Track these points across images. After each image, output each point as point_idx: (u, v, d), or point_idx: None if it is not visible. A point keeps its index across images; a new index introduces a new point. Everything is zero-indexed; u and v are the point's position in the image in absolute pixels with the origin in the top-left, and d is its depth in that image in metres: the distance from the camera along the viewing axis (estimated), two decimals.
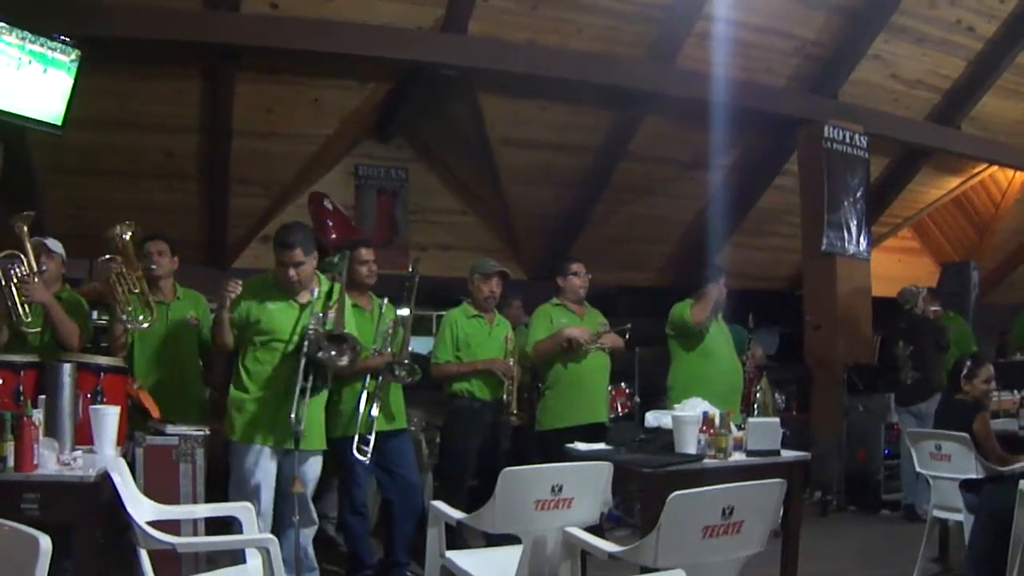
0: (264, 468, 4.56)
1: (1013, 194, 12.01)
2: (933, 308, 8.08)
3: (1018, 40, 9.24)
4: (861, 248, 9.04)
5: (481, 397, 5.84)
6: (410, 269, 5.63)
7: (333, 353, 4.53)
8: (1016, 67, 9.61)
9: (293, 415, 4.38)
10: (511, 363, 5.87)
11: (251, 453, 4.54)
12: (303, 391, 4.44)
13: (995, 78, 9.63)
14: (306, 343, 4.49)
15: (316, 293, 4.77)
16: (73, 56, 6.23)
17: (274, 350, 4.63)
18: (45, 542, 2.14)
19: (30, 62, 6.07)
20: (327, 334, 4.55)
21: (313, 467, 4.75)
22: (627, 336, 6.28)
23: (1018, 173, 11.65)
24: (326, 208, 7.63)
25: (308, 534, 4.77)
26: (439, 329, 6.05)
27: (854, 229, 8.96)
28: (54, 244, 5.09)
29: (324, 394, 4.78)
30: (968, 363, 5.75)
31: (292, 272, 4.62)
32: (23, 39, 6.01)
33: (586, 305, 6.31)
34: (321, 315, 4.64)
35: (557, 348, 5.99)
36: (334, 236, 7.38)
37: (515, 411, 5.80)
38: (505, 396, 5.81)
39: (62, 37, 6.18)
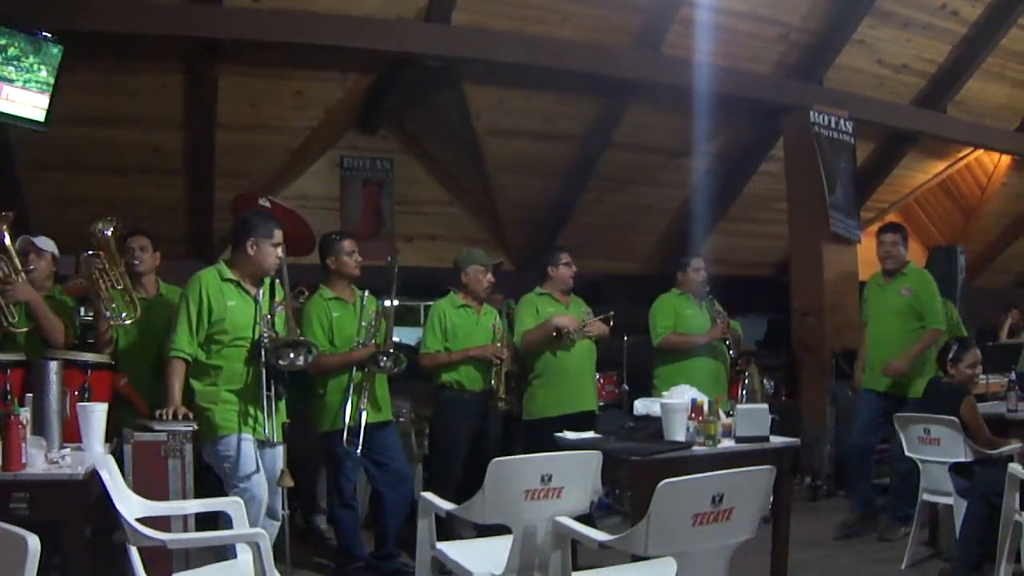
0: (257, 455, 4.56)
1: (999, 177, 12.02)
2: None
3: (1002, 23, 9.25)
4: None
5: (470, 388, 5.86)
6: (389, 260, 5.65)
7: (292, 356, 4.61)
8: (1001, 50, 9.62)
9: (266, 430, 4.51)
10: (500, 346, 5.92)
11: (245, 442, 4.53)
12: (268, 399, 4.52)
13: (980, 62, 9.64)
14: (263, 352, 4.53)
15: (261, 291, 4.75)
16: (55, 51, 6.20)
17: (239, 347, 4.62)
18: (33, 542, 2.13)
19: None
20: (283, 341, 4.62)
21: (281, 459, 4.74)
22: (611, 323, 6.31)
23: (1003, 157, 11.66)
24: (262, 207, 7.28)
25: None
26: (427, 319, 6.08)
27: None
28: (44, 243, 5.05)
29: (284, 395, 4.76)
30: (955, 347, 5.78)
31: (280, 253, 4.72)
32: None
33: (570, 294, 6.34)
34: (269, 316, 4.66)
35: (546, 338, 6.01)
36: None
37: (502, 396, 5.82)
38: (493, 381, 5.84)
39: (44, 33, 6.15)
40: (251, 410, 4.58)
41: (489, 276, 6.00)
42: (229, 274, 4.70)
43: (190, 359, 4.58)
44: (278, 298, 4.77)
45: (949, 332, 7.53)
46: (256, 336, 4.62)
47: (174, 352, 4.56)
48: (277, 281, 4.80)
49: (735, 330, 6.64)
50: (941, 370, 5.79)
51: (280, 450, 4.68)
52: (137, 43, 6.81)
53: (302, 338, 4.78)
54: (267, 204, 7.11)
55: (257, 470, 4.51)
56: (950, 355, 5.71)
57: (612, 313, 6.34)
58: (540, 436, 5.37)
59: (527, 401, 6.16)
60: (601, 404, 6.90)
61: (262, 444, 4.59)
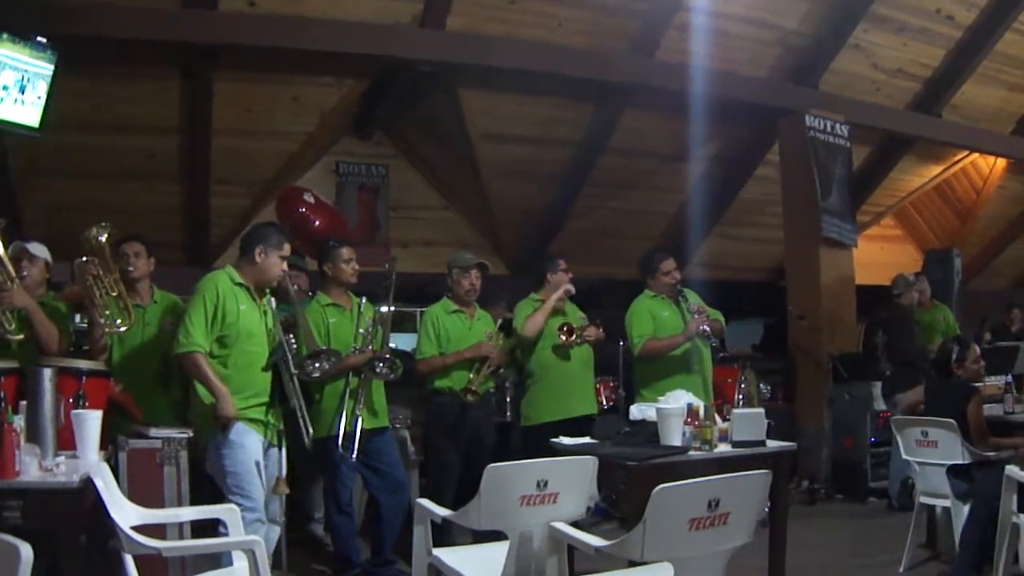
0: (261, 453, 4.58)
1: (994, 181, 12.04)
2: (919, 289, 8.13)
3: (997, 27, 9.27)
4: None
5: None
6: (386, 266, 5.66)
7: (317, 365, 4.77)
8: (996, 54, 9.64)
9: (307, 437, 4.64)
10: (496, 347, 5.91)
11: (253, 436, 4.52)
12: (296, 408, 4.64)
13: (975, 66, 9.66)
14: (289, 362, 4.63)
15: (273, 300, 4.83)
16: (50, 57, 6.19)
17: (248, 352, 4.61)
18: (26, 551, 2.13)
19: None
20: (308, 352, 4.77)
21: (281, 464, 4.78)
22: (599, 326, 6.29)
23: (999, 160, 11.69)
24: (306, 202, 7.48)
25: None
26: (421, 325, 6.04)
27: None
28: (37, 248, 5.00)
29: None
30: (955, 347, 5.77)
31: (285, 266, 4.80)
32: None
33: (565, 299, 6.34)
34: (284, 334, 4.76)
35: (548, 316, 6.00)
36: (317, 224, 7.23)
37: (474, 389, 5.75)
38: (471, 375, 5.79)
39: (38, 38, 6.13)
40: (263, 416, 4.62)
41: (471, 279, 5.95)
42: (240, 279, 4.67)
43: (206, 353, 4.53)
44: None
45: (945, 336, 7.55)
46: (270, 344, 4.69)
47: (193, 347, 4.47)
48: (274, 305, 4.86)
49: (716, 320, 6.23)
50: (942, 375, 5.77)
51: (283, 456, 4.70)
52: (132, 48, 6.78)
53: (324, 347, 4.92)
54: (312, 200, 7.29)
55: (258, 467, 4.49)
56: (953, 356, 5.70)
57: (598, 321, 6.34)
58: (540, 441, 5.36)
59: (527, 407, 6.15)
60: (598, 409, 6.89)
61: (267, 449, 4.64)
